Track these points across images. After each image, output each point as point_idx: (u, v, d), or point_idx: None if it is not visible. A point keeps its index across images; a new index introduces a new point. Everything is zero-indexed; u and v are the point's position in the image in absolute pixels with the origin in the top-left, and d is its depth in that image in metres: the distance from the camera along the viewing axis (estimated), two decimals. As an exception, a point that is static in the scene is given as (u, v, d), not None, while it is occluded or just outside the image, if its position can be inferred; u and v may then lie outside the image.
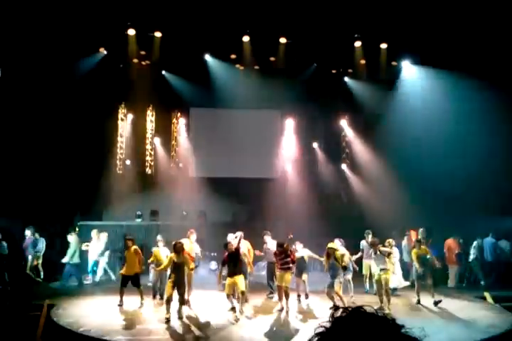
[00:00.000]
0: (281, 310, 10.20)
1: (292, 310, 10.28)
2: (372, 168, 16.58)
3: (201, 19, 14.45)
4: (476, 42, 14.17)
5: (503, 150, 14.65)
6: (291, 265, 10.44)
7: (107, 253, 13.76)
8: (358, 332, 1.22)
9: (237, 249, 10.01)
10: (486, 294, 11.90)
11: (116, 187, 15.99)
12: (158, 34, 15.02)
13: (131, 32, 14.82)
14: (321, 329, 1.27)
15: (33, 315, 10.28)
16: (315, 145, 17.82)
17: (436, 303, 10.61)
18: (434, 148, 15.26)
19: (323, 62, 16.59)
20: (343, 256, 10.44)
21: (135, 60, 15.60)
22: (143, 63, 15.79)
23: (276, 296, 10.89)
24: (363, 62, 16.37)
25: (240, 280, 9.77)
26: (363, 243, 12.40)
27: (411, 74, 16.42)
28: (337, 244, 11.08)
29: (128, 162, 16.70)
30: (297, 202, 16.63)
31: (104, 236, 13.62)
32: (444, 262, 13.68)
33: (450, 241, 14.02)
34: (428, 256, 11.16)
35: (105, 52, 15.29)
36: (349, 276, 10.90)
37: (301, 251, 11.21)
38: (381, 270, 10.40)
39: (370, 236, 12.23)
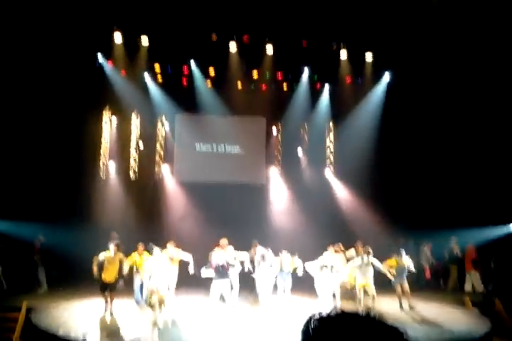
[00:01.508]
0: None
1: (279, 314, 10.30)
2: (356, 175, 16.70)
3: (187, 25, 14.58)
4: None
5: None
6: (269, 271, 10.55)
7: None
8: (342, 331, 1.18)
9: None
10: (465, 299, 12.02)
11: (99, 193, 15.98)
12: (144, 38, 15.10)
13: (118, 35, 14.88)
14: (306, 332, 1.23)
15: (10, 317, 10.20)
16: (299, 152, 17.89)
17: (410, 308, 10.84)
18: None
19: (308, 71, 16.77)
20: None
21: (121, 64, 15.62)
22: (128, 67, 15.79)
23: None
24: (348, 71, 16.60)
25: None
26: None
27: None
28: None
29: (111, 167, 16.61)
30: (281, 208, 16.73)
31: None
32: (463, 268, 14.21)
33: (469, 248, 14.38)
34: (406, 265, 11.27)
35: (91, 56, 15.33)
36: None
37: (286, 260, 11.23)
38: (361, 281, 10.63)
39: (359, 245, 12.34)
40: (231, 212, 15.36)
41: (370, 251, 11.00)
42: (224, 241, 11.62)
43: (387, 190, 16.03)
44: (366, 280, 10.70)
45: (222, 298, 10.29)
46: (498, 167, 15.07)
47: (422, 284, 14.34)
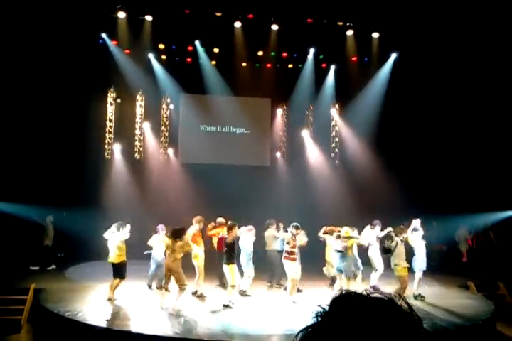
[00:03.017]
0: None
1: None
2: (361, 157, 16.66)
3: (192, 4, 14.34)
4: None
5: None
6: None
7: None
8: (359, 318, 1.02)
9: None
10: (470, 283, 12.07)
11: (104, 173, 15.99)
12: (149, 18, 14.87)
13: (122, 15, 14.67)
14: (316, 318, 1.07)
15: (18, 298, 10.31)
16: (304, 133, 17.77)
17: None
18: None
19: (314, 50, 16.56)
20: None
21: (125, 44, 15.43)
22: (133, 47, 15.60)
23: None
24: (354, 51, 16.38)
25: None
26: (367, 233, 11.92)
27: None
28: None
29: (116, 147, 16.56)
30: (285, 190, 16.68)
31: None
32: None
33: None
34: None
35: (95, 35, 15.15)
36: None
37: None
38: (395, 265, 9.77)
39: (378, 227, 11.36)
40: (235, 194, 15.34)
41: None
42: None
43: (394, 170, 15.95)
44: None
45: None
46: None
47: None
